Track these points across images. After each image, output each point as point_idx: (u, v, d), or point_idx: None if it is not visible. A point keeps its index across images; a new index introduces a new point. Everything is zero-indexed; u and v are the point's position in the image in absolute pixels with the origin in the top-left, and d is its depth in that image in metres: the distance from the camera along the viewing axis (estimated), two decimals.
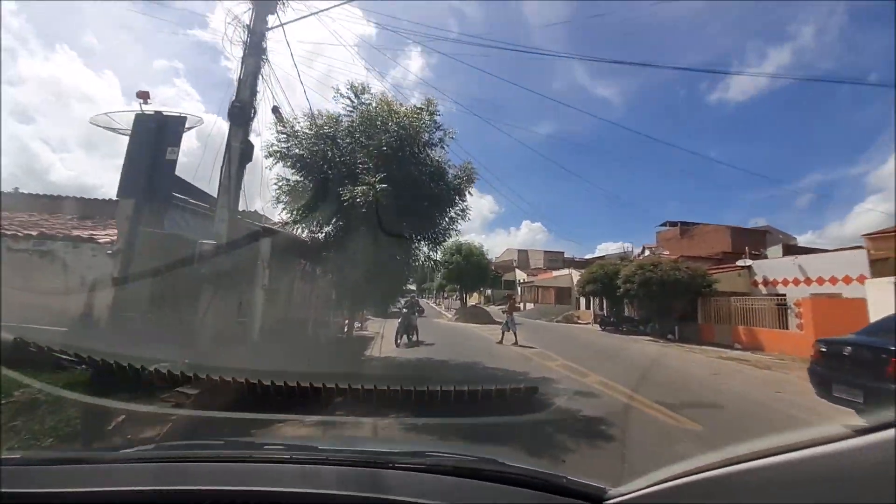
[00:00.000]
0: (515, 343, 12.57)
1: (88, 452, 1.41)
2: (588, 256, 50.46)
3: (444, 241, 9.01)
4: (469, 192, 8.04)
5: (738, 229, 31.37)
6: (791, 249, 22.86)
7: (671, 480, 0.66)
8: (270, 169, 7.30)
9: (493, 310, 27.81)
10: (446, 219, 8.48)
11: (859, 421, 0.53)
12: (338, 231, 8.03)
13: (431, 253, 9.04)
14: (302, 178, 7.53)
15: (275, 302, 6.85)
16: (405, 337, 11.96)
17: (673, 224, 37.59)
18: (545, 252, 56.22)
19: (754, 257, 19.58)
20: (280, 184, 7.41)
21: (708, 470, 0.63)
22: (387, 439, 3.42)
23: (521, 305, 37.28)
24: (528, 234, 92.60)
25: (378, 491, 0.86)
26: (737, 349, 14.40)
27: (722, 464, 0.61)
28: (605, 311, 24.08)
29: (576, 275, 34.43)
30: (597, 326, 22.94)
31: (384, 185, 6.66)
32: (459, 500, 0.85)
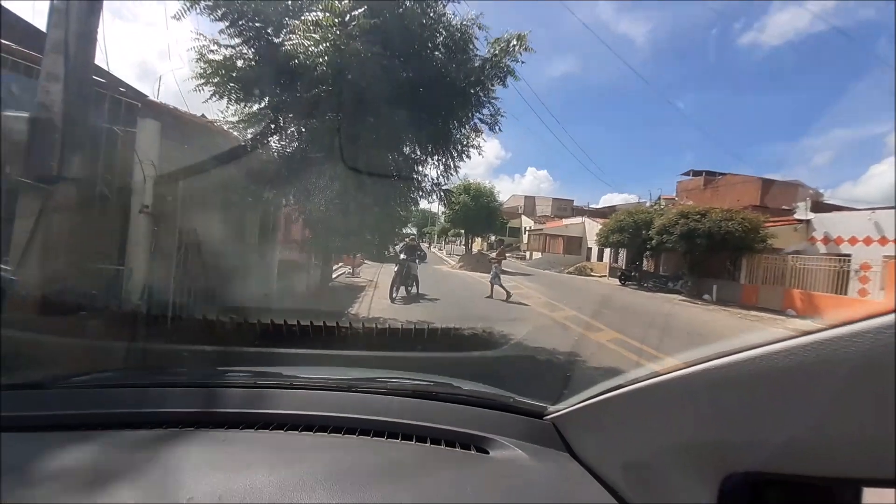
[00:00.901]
0: (508, 297, 10.23)
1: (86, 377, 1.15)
2: (594, 206, 47.83)
3: (461, 160, 6.26)
4: (504, 79, 5.11)
5: (769, 181, 28.33)
6: (820, 207, 20.32)
7: (602, 394, 0.72)
8: (178, 19, 4.34)
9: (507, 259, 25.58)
10: (466, 126, 5.69)
11: None
12: (303, 137, 5.30)
13: (442, 178, 6.34)
14: (238, 44, 4.63)
15: (197, 235, 4.46)
16: (402, 289, 9.63)
17: (697, 173, 34.23)
18: (553, 199, 53.00)
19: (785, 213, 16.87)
20: (202, 50, 4.51)
21: (635, 382, 0.66)
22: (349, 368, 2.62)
23: (528, 254, 35.16)
24: (534, 182, 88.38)
25: (340, 411, 0.94)
26: (790, 315, 12.26)
27: (648, 376, 0.63)
28: (624, 263, 21.87)
29: (590, 224, 31.89)
30: (614, 280, 20.83)
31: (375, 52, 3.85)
32: (417, 418, 0.92)
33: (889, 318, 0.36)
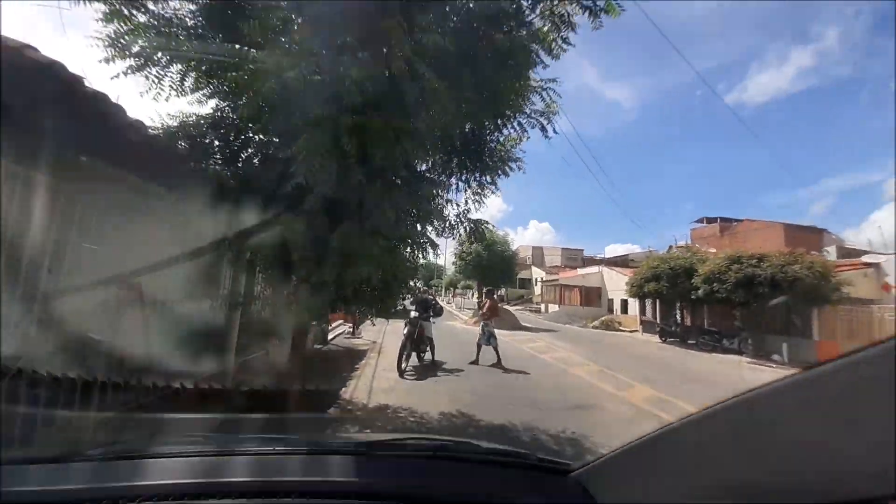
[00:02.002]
0: (497, 363, 7.71)
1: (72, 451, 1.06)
2: (601, 256, 45.87)
3: (497, 175, 4.46)
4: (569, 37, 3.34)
5: (793, 226, 26.65)
6: (846, 253, 18.45)
7: (628, 444, 0.69)
8: None
9: (521, 312, 23.03)
10: (512, 123, 3.94)
11: None
12: (274, 145, 3.48)
13: (472, 205, 4.50)
14: None
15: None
16: (414, 356, 7.41)
17: (710, 220, 32.88)
18: (563, 249, 51.49)
19: None
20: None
21: (654, 433, 0.65)
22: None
23: (543, 307, 32.67)
24: (536, 234, 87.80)
25: (360, 476, 0.89)
26: None
27: (669, 425, 0.62)
28: (658, 316, 19.43)
29: (608, 273, 29.84)
30: (650, 336, 18.27)
31: None
32: (438, 481, 0.89)
33: None
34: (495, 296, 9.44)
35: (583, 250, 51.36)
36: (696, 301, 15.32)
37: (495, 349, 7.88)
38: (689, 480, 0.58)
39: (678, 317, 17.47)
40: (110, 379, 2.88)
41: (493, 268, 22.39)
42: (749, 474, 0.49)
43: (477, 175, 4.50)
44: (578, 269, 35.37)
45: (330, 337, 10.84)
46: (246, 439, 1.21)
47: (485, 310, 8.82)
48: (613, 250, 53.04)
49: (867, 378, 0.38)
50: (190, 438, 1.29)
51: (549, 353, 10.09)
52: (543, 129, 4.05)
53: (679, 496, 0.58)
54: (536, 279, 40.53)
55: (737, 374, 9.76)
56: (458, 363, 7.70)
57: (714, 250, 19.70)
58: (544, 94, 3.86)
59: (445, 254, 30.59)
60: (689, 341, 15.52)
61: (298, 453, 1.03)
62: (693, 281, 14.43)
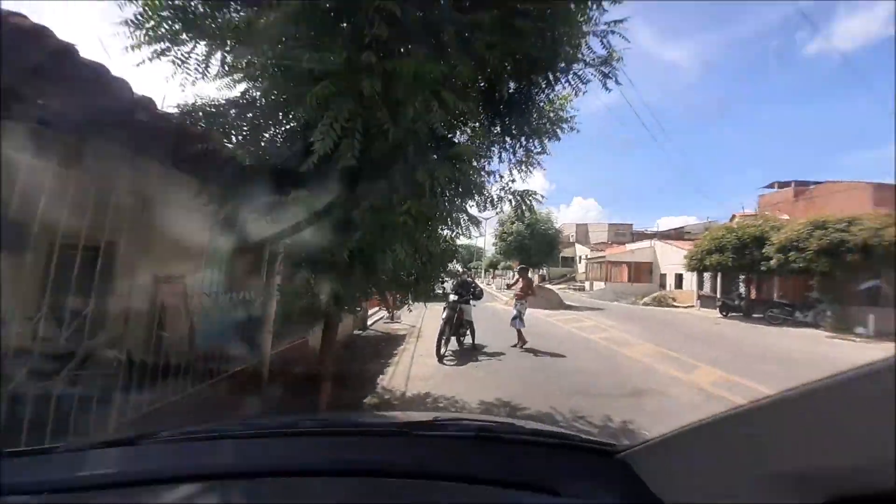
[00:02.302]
0: (520, 345, 7.28)
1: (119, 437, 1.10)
2: (655, 230, 42.81)
3: (549, 139, 3.93)
4: None
5: (884, 186, 23.06)
6: None
7: (684, 428, 0.68)
8: None
9: (563, 291, 22.13)
10: (567, 75, 3.37)
11: None
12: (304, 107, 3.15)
13: (518, 175, 4.04)
14: None
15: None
16: (454, 340, 7.12)
17: (783, 185, 29.36)
18: (609, 224, 48.98)
19: None
20: None
21: (706, 420, 0.63)
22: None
23: (588, 284, 31.34)
24: (581, 212, 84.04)
25: (399, 457, 0.89)
26: None
27: (732, 409, 0.60)
28: (718, 290, 17.83)
29: (661, 247, 27.92)
30: (708, 311, 16.84)
31: None
32: (479, 462, 0.88)
33: None
34: (530, 273, 8.81)
35: (632, 225, 48.58)
36: (765, 273, 13.79)
37: (518, 330, 7.43)
38: (754, 469, 0.53)
39: (742, 290, 15.90)
40: (165, 366, 3.01)
41: (535, 247, 21.51)
42: (820, 466, 0.46)
43: (523, 140, 3.97)
44: (627, 245, 33.44)
45: (369, 322, 10.88)
46: (285, 421, 1.19)
47: (517, 289, 8.20)
48: (666, 223, 49.55)
49: None
50: (232, 422, 1.29)
51: (599, 333, 9.42)
52: (606, 77, 3.41)
53: (738, 483, 0.55)
54: (581, 257, 38.94)
55: (816, 349, 8.61)
56: (499, 346, 7.30)
57: (787, 217, 17.60)
58: (606, 39, 3.22)
59: (485, 234, 30.01)
60: (755, 315, 14.12)
61: (338, 433, 1.06)
62: (764, 250, 12.95)
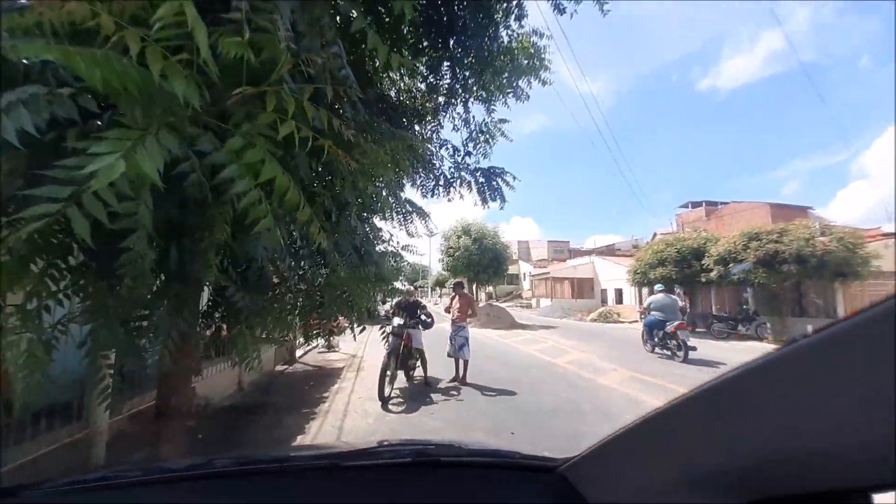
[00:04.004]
0: (458, 379, 5.96)
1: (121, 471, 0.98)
2: (584, 248, 45.01)
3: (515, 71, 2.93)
4: None
5: (778, 206, 26.20)
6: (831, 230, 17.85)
7: (612, 435, 0.67)
8: None
9: (512, 309, 21.46)
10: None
11: None
12: None
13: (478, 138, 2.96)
14: None
15: None
16: (401, 375, 5.70)
17: (696, 204, 32.37)
18: (549, 242, 50.61)
19: None
20: None
21: (638, 420, 0.62)
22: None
23: (535, 301, 31.36)
24: (520, 230, 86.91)
25: (328, 496, 0.83)
26: None
27: (654, 411, 0.59)
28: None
29: (600, 262, 28.80)
30: None
31: None
32: (418, 489, 0.84)
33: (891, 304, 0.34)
34: (465, 289, 6.83)
35: (569, 242, 50.66)
36: (704, 285, 14.14)
37: (464, 362, 5.98)
38: (675, 469, 0.53)
39: (682, 303, 16.30)
40: None
41: (483, 262, 20.73)
42: (739, 460, 0.45)
43: (481, 79, 2.90)
44: (568, 261, 34.25)
45: (299, 353, 9.04)
46: (194, 462, 0.98)
47: (455, 310, 6.36)
48: (595, 241, 52.25)
49: (867, 342, 0.34)
50: (129, 465, 1.24)
51: (563, 357, 8.52)
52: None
53: (665, 486, 0.55)
54: (525, 273, 39.28)
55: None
56: (458, 387, 5.94)
57: (706, 233, 18.71)
58: None
59: (430, 252, 28.89)
60: (698, 329, 14.37)
61: (256, 473, 0.93)
62: (703, 262, 13.22)
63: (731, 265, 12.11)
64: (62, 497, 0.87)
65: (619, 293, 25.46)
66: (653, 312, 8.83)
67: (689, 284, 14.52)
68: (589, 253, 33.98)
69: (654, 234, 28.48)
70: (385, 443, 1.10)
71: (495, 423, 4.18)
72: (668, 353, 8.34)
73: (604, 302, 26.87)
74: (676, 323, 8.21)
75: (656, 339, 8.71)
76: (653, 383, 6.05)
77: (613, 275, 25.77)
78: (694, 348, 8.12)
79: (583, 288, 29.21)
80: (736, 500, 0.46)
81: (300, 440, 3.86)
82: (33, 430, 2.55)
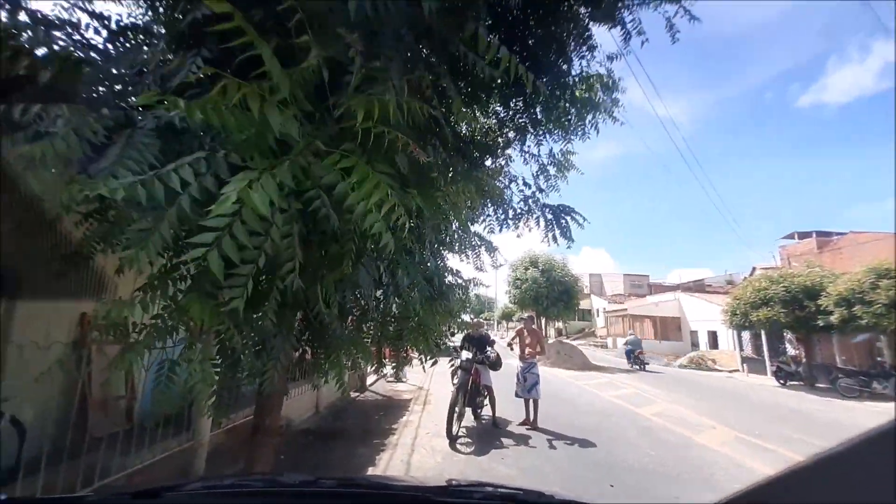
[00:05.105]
0: (529, 423, 5.63)
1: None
2: (665, 283, 40.76)
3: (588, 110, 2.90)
4: None
5: None
6: None
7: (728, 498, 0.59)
8: None
9: (584, 348, 20.08)
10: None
11: None
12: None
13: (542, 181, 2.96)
14: None
15: None
16: (470, 413, 5.56)
17: (803, 234, 27.87)
18: (625, 275, 47.13)
19: None
20: None
21: (764, 481, 0.56)
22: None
23: (611, 340, 29.02)
24: (591, 262, 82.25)
25: None
26: None
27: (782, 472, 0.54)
28: (760, 352, 15.77)
29: (687, 300, 26.00)
30: (757, 377, 14.71)
31: None
32: None
33: None
34: (534, 325, 6.41)
35: (648, 276, 46.75)
36: (822, 330, 11.96)
37: (534, 403, 5.68)
38: None
39: (795, 352, 13.89)
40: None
41: (551, 296, 19.89)
42: None
43: (551, 131, 2.90)
44: (647, 297, 31.46)
45: (369, 381, 9.31)
46: (304, 478, 1.07)
47: (525, 346, 6.09)
48: (680, 276, 47.44)
49: None
50: (249, 477, 1.34)
51: (648, 407, 7.66)
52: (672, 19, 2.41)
53: None
54: (598, 309, 36.80)
55: None
56: (535, 439, 5.57)
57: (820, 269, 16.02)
58: None
59: (496, 283, 28.55)
60: (819, 384, 12.07)
61: (357, 495, 1.01)
62: (821, 303, 11.27)
63: (857, 307, 10.16)
64: (201, 499, 0.96)
65: (713, 336, 22.59)
66: (629, 345, 16.16)
67: (803, 329, 12.39)
68: (674, 289, 30.90)
69: (753, 269, 25.12)
70: (470, 484, 1.11)
71: (572, 477, 3.83)
72: (637, 366, 15.30)
73: (695, 345, 23.99)
74: (638, 350, 15.66)
75: (631, 359, 15.69)
76: (762, 447, 5.13)
77: (705, 314, 23.03)
78: (648, 363, 15.83)
79: (668, 328, 26.45)
80: None
81: (371, 472, 3.90)
82: (151, 438, 2.91)
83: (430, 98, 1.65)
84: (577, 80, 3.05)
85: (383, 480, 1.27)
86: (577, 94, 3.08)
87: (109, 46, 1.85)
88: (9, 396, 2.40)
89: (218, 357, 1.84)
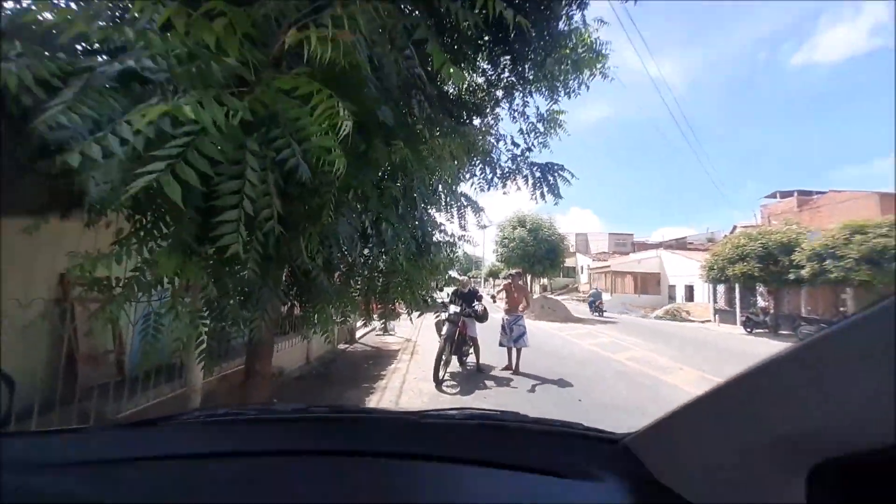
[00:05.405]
0: (511, 368, 6.01)
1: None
2: (648, 241, 41.66)
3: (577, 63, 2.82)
4: None
5: (890, 196, 22.03)
6: None
7: (679, 408, 0.68)
8: None
9: (568, 303, 20.80)
10: None
11: None
12: None
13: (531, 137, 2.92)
14: None
15: None
16: (456, 360, 5.84)
17: (785, 194, 28.32)
18: (610, 234, 47.93)
19: None
20: None
21: (703, 395, 0.64)
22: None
23: None
24: (578, 222, 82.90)
25: (408, 440, 0.92)
26: None
27: (717, 387, 0.60)
28: (733, 304, 16.61)
29: (668, 256, 26.80)
30: (728, 327, 15.61)
31: None
32: (485, 446, 0.89)
33: None
34: (520, 281, 6.76)
35: (632, 235, 47.62)
36: (792, 283, 12.58)
37: (517, 352, 6.00)
38: (745, 436, 0.55)
39: (765, 303, 14.68)
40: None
41: (538, 254, 20.23)
42: (813, 424, 0.46)
43: (541, 85, 2.82)
44: (631, 255, 32.29)
45: (358, 335, 9.58)
46: (296, 406, 1.15)
47: (512, 300, 6.37)
48: (663, 234, 48.40)
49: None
50: (244, 407, 1.32)
51: (623, 353, 8.14)
52: None
53: (726, 453, 0.58)
54: (582, 267, 37.70)
55: None
56: (512, 378, 5.91)
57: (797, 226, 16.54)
58: None
59: (484, 242, 28.79)
60: (783, 332, 12.91)
61: (348, 420, 1.07)
62: (794, 258, 11.78)
63: (828, 261, 10.65)
64: (198, 427, 1.01)
65: (689, 290, 23.57)
66: (591, 297, 19.87)
67: (775, 283, 13.02)
68: (657, 246, 31.68)
69: (734, 227, 25.75)
70: (456, 409, 1.18)
71: (547, 410, 4.14)
72: (597, 313, 18.39)
73: (671, 298, 25.07)
74: (598, 301, 19.13)
75: (593, 308, 18.96)
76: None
77: (684, 270, 23.88)
78: (605, 310, 19.30)
79: (647, 283, 27.44)
80: (802, 464, 0.47)
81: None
82: (143, 386, 3.01)
83: (405, 49, 1.57)
84: (565, 35, 2.92)
85: (370, 410, 1.32)
86: (566, 51, 2.97)
87: None
88: None
89: (205, 309, 1.86)
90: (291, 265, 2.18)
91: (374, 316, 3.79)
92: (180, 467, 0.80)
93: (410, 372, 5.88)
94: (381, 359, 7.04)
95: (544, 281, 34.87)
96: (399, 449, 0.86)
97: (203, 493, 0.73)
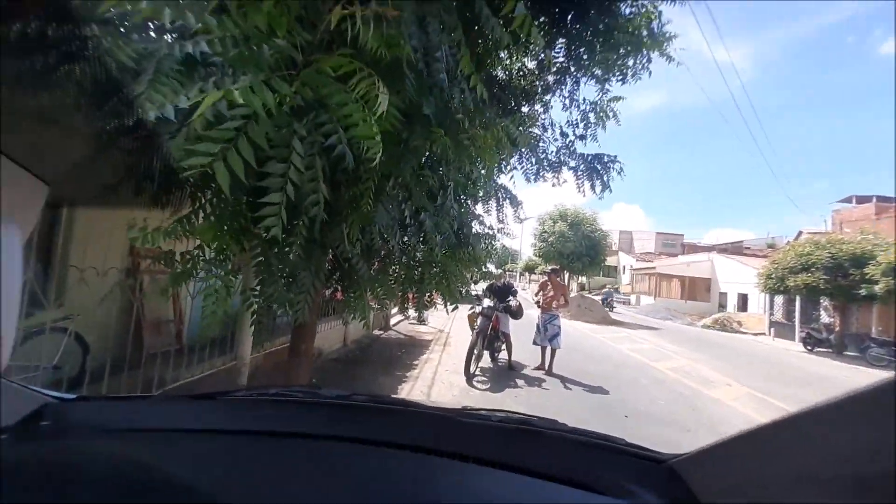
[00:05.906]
0: (544, 368, 5.84)
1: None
2: (699, 243, 39.07)
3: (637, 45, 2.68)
4: None
5: None
6: None
7: (724, 439, 0.66)
8: None
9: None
10: None
11: None
12: None
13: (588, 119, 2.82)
14: None
15: None
16: (487, 356, 5.83)
17: (863, 199, 25.40)
18: (657, 234, 45.57)
19: None
20: None
21: (757, 427, 0.61)
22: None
23: (634, 298, 28.84)
24: (623, 218, 79.23)
25: (445, 436, 0.92)
26: None
27: (779, 419, 0.58)
28: (793, 317, 15.28)
29: (721, 261, 25.09)
30: (784, 342, 14.42)
31: None
32: (522, 451, 0.87)
33: None
34: (559, 278, 6.63)
35: (682, 235, 45.08)
36: (863, 300, 11.36)
37: (552, 352, 5.86)
38: (801, 473, 0.53)
39: (828, 319, 13.38)
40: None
41: (578, 251, 19.61)
42: (864, 469, 0.45)
43: (596, 54, 2.71)
44: (679, 257, 30.54)
45: (392, 322, 9.81)
46: (340, 393, 1.18)
47: (546, 296, 6.19)
48: (717, 237, 45.35)
49: None
50: (292, 388, 1.27)
51: (664, 361, 7.76)
52: None
53: (791, 489, 0.54)
54: (625, 266, 36.19)
55: None
56: (547, 383, 5.77)
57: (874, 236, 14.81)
58: None
59: (522, 236, 28.33)
60: (848, 353, 11.73)
61: (388, 411, 1.09)
62: (867, 272, 10.63)
63: None
64: (251, 404, 1.08)
65: (743, 299, 22.02)
66: (604, 295, 21.34)
67: (843, 297, 11.84)
68: (708, 249, 29.75)
69: (800, 233, 23.60)
70: (496, 410, 1.17)
71: (581, 417, 4.05)
72: (608, 308, 18.21)
73: (722, 307, 23.54)
74: (610, 299, 20.88)
75: (605, 304, 18.52)
76: (777, 406, 5.18)
77: (738, 277, 22.29)
78: (615, 307, 21.00)
79: (696, 288, 25.91)
80: (869, 500, 0.46)
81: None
82: (199, 357, 3.26)
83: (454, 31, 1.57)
84: (627, 18, 2.77)
85: (409, 403, 1.38)
86: (626, 33, 2.82)
87: None
88: (71, 316, 2.70)
89: (258, 287, 1.99)
90: (334, 251, 2.26)
91: (409, 305, 3.86)
92: (235, 441, 0.85)
93: (442, 364, 5.95)
94: (413, 348, 7.17)
95: (582, 279, 33.85)
96: (438, 446, 0.86)
97: (254, 468, 0.76)
